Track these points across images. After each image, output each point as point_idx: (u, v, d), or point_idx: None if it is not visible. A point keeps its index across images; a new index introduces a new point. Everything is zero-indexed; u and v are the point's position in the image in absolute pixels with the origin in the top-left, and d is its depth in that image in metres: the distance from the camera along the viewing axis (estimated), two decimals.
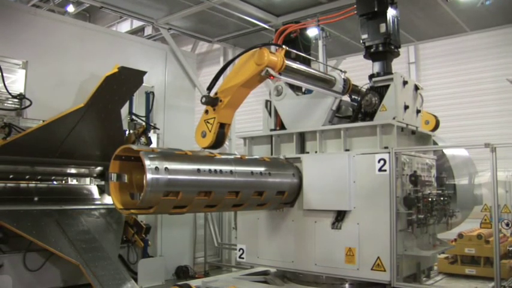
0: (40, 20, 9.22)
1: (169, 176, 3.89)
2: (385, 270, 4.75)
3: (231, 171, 4.53)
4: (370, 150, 5.07)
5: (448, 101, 13.30)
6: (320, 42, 6.37)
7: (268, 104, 6.26)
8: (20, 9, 9.23)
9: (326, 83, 5.48)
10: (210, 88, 4.94)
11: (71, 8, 17.03)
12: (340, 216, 5.09)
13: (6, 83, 8.12)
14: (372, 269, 4.83)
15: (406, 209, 4.95)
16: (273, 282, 5.80)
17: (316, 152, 5.53)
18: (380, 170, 4.88)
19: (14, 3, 9.19)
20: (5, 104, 8.27)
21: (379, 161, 4.89)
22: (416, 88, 5.85)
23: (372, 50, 5.70)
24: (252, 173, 4.78)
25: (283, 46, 4.87)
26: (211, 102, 4.85)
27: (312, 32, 6.66)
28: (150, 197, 3.81)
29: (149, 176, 3.74)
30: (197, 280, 6.22)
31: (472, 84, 13.09)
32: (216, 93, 4.90)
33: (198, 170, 4.22)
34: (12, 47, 8.61)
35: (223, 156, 4.74)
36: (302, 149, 5.74)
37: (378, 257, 4.80)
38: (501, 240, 5.99)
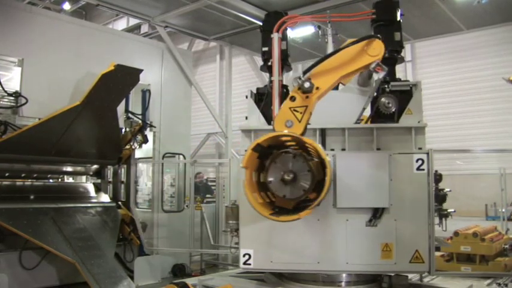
0: (36, 18, 9.16)
1: None
2: (423, 262, 5.03)
3: None
4: (402, 150, 5.29)
5: (444, 99, 13.36)
6: (330, 39, 6.31)
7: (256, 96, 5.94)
8: (16, 6, 9.15)
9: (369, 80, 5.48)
10: (306, 72, 4.49)
11: (67, 6, 17.00)
12: (378, 213, 5.18)
13: (1, 80, 8.07)
14: (410, 262, 5.06)
15: (437, 205, 5.40)
16: (269, 280, 5.78)
17: (343, 149, 5.47)
18: (418, 169, 5.14)
19: (9, 0, 9.12)
20: (1, 102, 8.22)
21: (417, 161, 5.16)
22: None
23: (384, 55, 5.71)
24: None
25: (381, 39, 4.64)
26: (311, 88, 4.40)
27: (309, 29, 6.63)
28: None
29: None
30: (193, 278, 6.19)
31: (468, 83, 13.15)
32: (309, 79, 4.45)
33: None
34: (7, 44, 8.55)
35: None
36: (323, 146, 5.56)
37: (416, 250, 5.05)
38: (496, 238, 6.04)
